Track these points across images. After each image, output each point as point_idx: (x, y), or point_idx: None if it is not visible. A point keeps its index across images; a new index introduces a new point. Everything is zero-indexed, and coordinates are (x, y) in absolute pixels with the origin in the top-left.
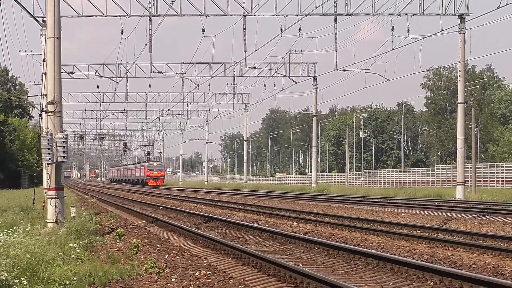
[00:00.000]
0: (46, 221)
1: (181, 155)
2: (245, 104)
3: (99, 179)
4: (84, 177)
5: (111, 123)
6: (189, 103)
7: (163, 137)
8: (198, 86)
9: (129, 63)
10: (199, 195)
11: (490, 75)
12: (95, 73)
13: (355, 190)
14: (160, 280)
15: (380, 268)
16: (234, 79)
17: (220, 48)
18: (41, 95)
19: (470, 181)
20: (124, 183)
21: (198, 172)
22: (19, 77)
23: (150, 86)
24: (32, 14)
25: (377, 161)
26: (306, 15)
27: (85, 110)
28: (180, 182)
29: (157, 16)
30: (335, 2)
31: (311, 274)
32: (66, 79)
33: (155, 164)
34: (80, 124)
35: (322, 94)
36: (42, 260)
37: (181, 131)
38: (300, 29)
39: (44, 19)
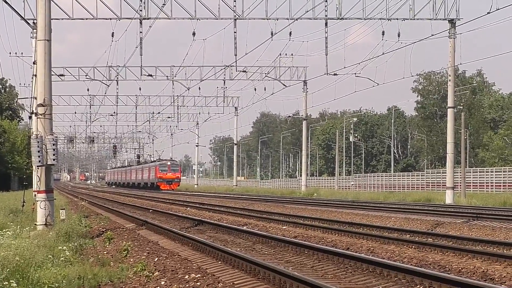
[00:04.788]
0: (35, 224)
1: (171, 158)
2: (235, 107)
3: (89, 182)
4: (74, 180)
5: (101, 126)
6: (179, 106)
7: (153, 140)
8: (189, 89)
9: (119, 66)
10: (189, 198)
11: (480, 80)
12: (86, 75)
13: (345, 194)
14: (150, 283)
15: (369, 272)
16: (224, 82)
17: (211, 51)
18: (31, 98)
19: (460, 185)
20: (114, 186)
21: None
22: (9, 79)
23: (140, 89)
24: (23, 16)
25: (367, 165)
26: (296, 19)
27: (75, 112)
28: None
29: (148, 19)
30: (326, 6)
31: (300, 278)
32: (56, 81)
33: (168, 163)
34: (70, 126)
35: (312, 98)
36: (31, 263)
37: (171, 134)
38: (290, 33)
39: (35, 21)
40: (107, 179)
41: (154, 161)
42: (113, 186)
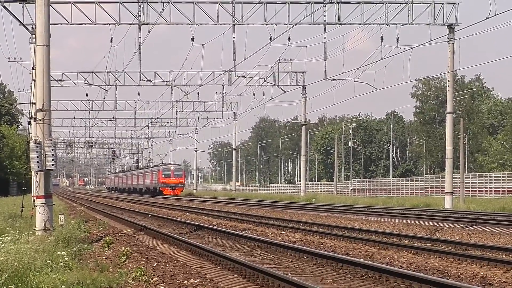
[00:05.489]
0: (34, 229)
1: (172, 162)
2: (234, 112)
3: (87, 187)
4: (72, 185)
5: (100, 131)
6: (178, 112)
7: (152, 145)
8: (187, 94)
9: (118, 71)
10: (188, 204)
11: (479, 85)
12: (84, 81)
13: (344, 199)
14: None
15: (368, 277)
16: (223, 87)
17: (210, 56)
18: (30, 103)
19: (459, 190)
20: (112, 191)
21: None
22: (8, 84)
23: (139, 94)
24: (22, 21)
25: (366, 170)
26: (295, 24)
27: (74, 118)
28: None
29: (147, 24)
30: (324, 11)
31: (299, 283)
32: (55, 86)
33: (172, 167)
34: (69, 132)
35: (311, 103)
36: (30, 268)
37: (170, 139)
38: (289, 38)
39: (34, 26)
40: (107, 184)
41: (157, 165)
42: (112, 192)
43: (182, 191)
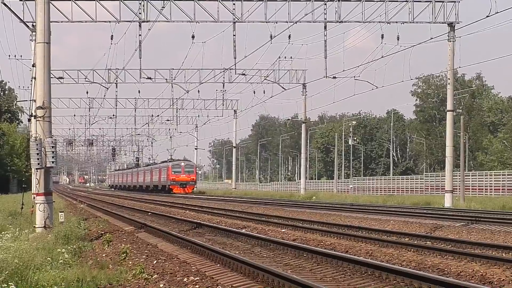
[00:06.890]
0: (34, 226)
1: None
2: (235, 110)
3: (88, 184)
4: (73, 183)
5: (100, 129)
6: (178, 109)
7: (152, 143)
8: (188, 92)
9: (118, 69)
10: (188, 201)
11: (480, 83)
12: (85, 78)
13: (344, 198)
14: (148, 286)
15: (368, 275)
16: (223, 85)
17: (210, 54)
18: (30, 100)
19: (459, 189)
20: (113, 189)
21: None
22: (9, 82)
23: (139, 92)
24: (22, 19)
25: (366, 168)
26: (296, 22)
27: (74, 115)
28: None
29: (147, 22)
30: (325, 9)
31: (299, 281)
32: (55, 84)
33: (182, 164)
34: (69, 129)
35: (311, 101)
36: (30, 265)
37: (170, 137)
38: (290, 36)
39: (34, 24)
40: (110, 181)
41: (165, 161)
42: (113, 189)
43: (194, 189)
